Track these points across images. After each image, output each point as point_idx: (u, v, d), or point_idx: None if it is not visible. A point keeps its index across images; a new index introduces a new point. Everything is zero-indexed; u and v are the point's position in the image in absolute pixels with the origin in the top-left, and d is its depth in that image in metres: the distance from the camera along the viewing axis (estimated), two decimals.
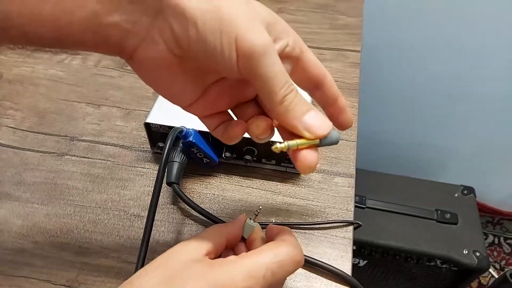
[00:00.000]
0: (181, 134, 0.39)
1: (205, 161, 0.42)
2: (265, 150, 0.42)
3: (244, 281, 0.24)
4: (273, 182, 0.43)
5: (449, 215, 0.93)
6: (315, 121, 0.24)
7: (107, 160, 0.46)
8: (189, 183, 0.43)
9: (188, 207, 0.41)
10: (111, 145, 0.47)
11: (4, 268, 0.37)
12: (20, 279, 0.36)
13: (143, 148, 0.47)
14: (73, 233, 0.39)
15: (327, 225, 0.40)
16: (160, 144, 0.44)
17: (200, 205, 0.39)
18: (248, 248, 0.31)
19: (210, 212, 0.39)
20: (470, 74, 1.01)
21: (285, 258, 0.26)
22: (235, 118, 0.30)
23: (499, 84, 1.01)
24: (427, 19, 0.94)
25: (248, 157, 0.42)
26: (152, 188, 0.41)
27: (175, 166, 0.40)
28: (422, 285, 1.00)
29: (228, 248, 0.30)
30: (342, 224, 0.40)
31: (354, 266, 0.97)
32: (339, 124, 0.29)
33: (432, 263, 0.92)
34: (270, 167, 0.44)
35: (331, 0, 0.68)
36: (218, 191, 0.43)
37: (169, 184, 0.39)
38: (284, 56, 0.25)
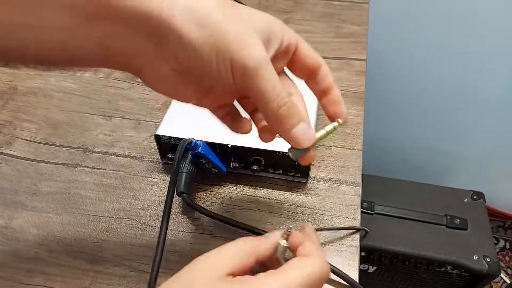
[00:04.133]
0: (190, 146, 0.41)
1: (213, 171, 0.43)
2: (272, 160, 0.43)
3: None
4: (280, 192, 0.44)
5: (458, 220, 0.93)
6: (300, 135, 0.27)
7: (119, 171, 0.47)
8: (198, 192, 0.44)
9: (198, 216, 0.42)
10: (122, 156, 0.48)
11: (20, 277, 0.38)
12: (35, 287, 0.37)
13: (153, 158, 0.48)
14: (86, 242, 0.41)
15: (334, 233, 0.40)
16: (170, 155, 0.45)
17: (210, 211, 0.40)
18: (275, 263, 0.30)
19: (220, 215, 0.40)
20: (477, 79, 1.01)
21: (314, 277, 0.25)
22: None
23: (507, 88, 1.01)
24: (432, 26, 0.95)
25: (255, 167, 0.43)
26: (163, 198, 0.42)
27: (185, 176, 0.41)
28: None
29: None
30: (349, 231, 0.41)
31: (364, 272, 0.97)
32: (331, 115, 0.31)
33: (442, 269, 0.91)
34: (277, 176, 0.45)
35: (336, 9, 0.69)
36: (226, 200, 0.43)
37: (179, 194, 0.40)
38: (281, 53, 0.27)
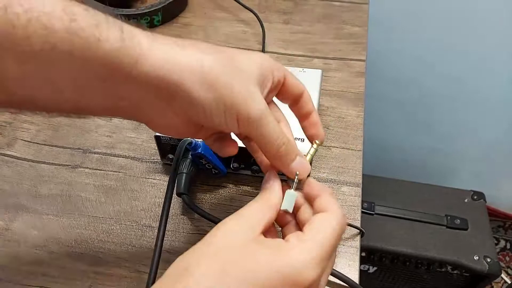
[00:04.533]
0: (190, 146, 0.41)
1: (213, 172, 0.43)
2: None
3: (317, 267, 0.24)
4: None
5: (459, 220, 0.93)
6: (299, 167, 0.30)
7: (119, 172, 0.47)
8: (199, 193, 0.44)
9: (198, 217, 0.42)
10: (122, 157, 0.48)
11: (21, 278, 0.38)
12: None
13: (153, 159, 0.48)
14: (87, 243, 0.41)
15: None
16: (170, 156, 0.45)
17: (210, 213, 0.40)
18: (297, 220, 0.30)
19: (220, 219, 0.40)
20: (477, 79, 1.01)
21: (340, 232, 0.27)
22: None
23: (507, 88, 1.01)
24: (432, 26, 0.95)
25: (255, 167, 0.43)
26: (163, 199, 0.42)
27: (185, 177, 0.41)
28: None
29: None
30: (349, 232, 0.41)
31: (364, 273, 0.97)
32: (310, 136, 0.34)
33: (443, 269, 0.91)
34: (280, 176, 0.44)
35: (336, 10, 0.69)
36: (226, 201, 0.44)
37: (178, 194, 0.40)
38: (272, 88, 0.31)
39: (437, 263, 0.90)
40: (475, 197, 0.98)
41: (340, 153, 0.48)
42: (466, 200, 0.98)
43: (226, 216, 0.38)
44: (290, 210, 0.29)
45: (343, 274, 0.36)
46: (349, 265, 0.38)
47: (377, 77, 1.00)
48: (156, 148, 0.45)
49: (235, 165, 0.44)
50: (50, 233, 0.42)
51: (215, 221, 0.39)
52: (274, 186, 0.29)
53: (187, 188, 0.41)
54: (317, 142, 0.33)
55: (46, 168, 0.48)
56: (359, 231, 0.41)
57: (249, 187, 0.45)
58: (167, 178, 0.45)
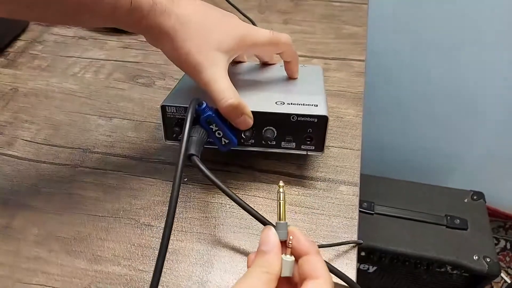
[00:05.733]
0: (200, 108, 0.38)
1: (223, 143, 0.41)
2: (286, 128, 0.41)
3: None
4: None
5: (458, 220, 0.93)
6: (242, 124, 0.41)
7: (119, 171, 0.47)
8: (195, 192, 0.45)
9: (205, 188, 0.42)
10: (122, 157, 0.49)
11: (21, 276, 0.38)
12: (36, 287, 0.38)
13: (153, 159, 0.48)
14: (86, 241, 0.41)
15: (332, 232, 0.41)
16: (176, 129, 0.42)
17: (221, 183, 0.36)
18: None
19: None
20: (477, 80, 1.01)
21: None
22: None
23: (507, 89, 1.01)
24: (432, 26, 0.95)
25: (269, 134, 0.41)
26: (162, 198, 0.42)
27: (195, 140, 0.38)
28: None
29: None
30: (347, 226, 0.41)
31: (364, 272, 0.97)
32: (288, 74, 0.48)
33: (442, 269, 0.91)
34: (290, 151, 0.43)
35: (336, 10, 0.69)
36: (225, 200, 0.44)
37: (189, 156, 0.36)
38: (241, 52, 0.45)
39: (436, 263, 0.90)
40: (475, 197, 0.98)
41: (338, 153, 0.48)
42: (466, 200, 0.98)
43: (224, 215, 0.38)
44: (291, 275, 0.30)
45: (341, 271, 0.36)
46: (347, 264, 0.38)
47: (377, 78, 1.00)
48: (156, 148, 0.45)
49: (247, 134, 0.41)
50: (50, 231, 0.42)
51: (226, 191, 0.36)
52: (273, 253, 0.29)
53: (198, 150, 0.37)
54: (280, 184, 0.32)
55: (46, 168, 0.48)
56: (356, 229, 0.41)
57: (248, 182, 0.45)
58: (166, 178, 0.46)
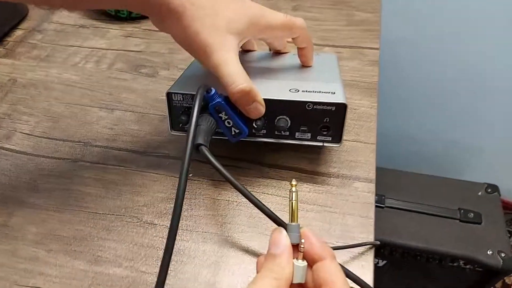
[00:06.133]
0: (208, 94, 0.35)
1: (233, 133, 0.39)
2: (300, 117, 0.38)
3: None
4: (289, 188, 0.42)
5: (472, 214, 0.90)
6: (254, 112, 0.38)
7: (121, 166, 0.45)
8: (201, 188, 0.42)
9: (214, 182, 0.40)
10: (124, 150, 0.46)
11: (17, 277, 0.36)
12: None
13: (157, 153, 0.46)
14: (86, 241, 0.39)
15: (347, 232, 0.38)
16: (183, 118, 0.39)
17: (231, 176, 0.32)
18: None
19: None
20: (494, 70, 0.98)
21: None
22: None
23: None
24: (449, 12, 0.91)
25: (282, 124, 0.38)
26: (166, 195, 0.40)
27: (203, 129, 0.34)
28: (444, 286, 0.97)
29: None
30: (361, 226, 0.38)
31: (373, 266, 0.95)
32: (301, 61, 0.45)
33: (455, 264, 0.89)
34: (305, 142, 0.40)
35: None
36: (233, 196, 0.41)
37: (196, 146, 0.33)
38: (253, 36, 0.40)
39: (449, 258, 0.88)
40: (489, 190, 0.95)
41: (352, 146, 0.45)
42: (480, 193, 0.95)
43: (231, 214, 0.36)
44: (303, 281, 0.27)
45: (356, 275, 0.34)
46: (363, 265, 0.36)
47: (389, 66, 0.97)
48: (160, 141, 0.43)
49: (258, 123, 0.38)
50: (49, 230, 0.40)
51: (237, 186, 0.32)
52: (284, 257, 0.27)
53: (207, 140, 0.34)
54: (293, 183, 0.29)
55: (46, 162, 0.46)
56: (373, 228, 0.39)
57: (257, 178, 0.42)
58: (170, 173, 0.44)
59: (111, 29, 0.66)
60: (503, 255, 0.84)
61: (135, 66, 0.58)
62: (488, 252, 0.85)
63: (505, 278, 1.22)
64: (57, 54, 0.62)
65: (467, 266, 0.89)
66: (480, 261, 0.85)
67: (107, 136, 0.48)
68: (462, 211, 0.90)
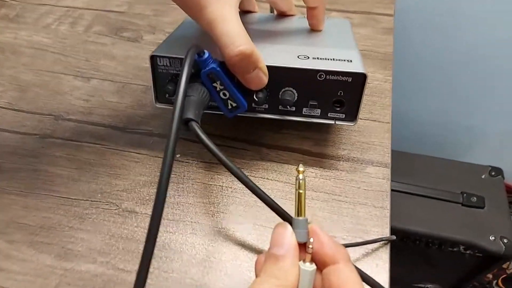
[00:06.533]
0: (201, 58, 0.29)
1: (229, 106, 0.33)
2: (308, 89, 0.32)
3: None
4: (292, 172, 0.36)
5: (475, 198, 0.86)
6: (255, 82, 0.31)
7: (96, 144, 0.39)
8: (189, 171, 0.36)
9: (205, 164, 0.34)
10: (101, 126, 0.40)
11: None
12: None
13: (139, 129, 0.40)
14: (55, 231, 0.33)
15: (359, 226, 0.33)
16: (170, 87, 0.33)
17: (226, 158, 0.26)
18: None
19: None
20: (502, 52, 0.92)
21: None
22: None
23: None
24: None
25: (287, 97, 0.32)
26: (149, 178, 0.35)
27: (193, 100, 0.28)
28: (441, 271, 0.95)
29: None
30: (376, 233, 0.33)
31: None
32: (310, 24, 0.38)
33: (455, 249, 0.86)
34: (314, 119, 0.34)
35: None
36: (227, 182, 0.36)
37: (185, 121, 0.27)
38: None
39: (449, 243, 0.84)
40: (493, 173, 0.91)
41: (364, 126, 0.39)
42: (483, 176, 0.91)
43: (226, 201, 0.31)
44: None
45: (371, 277, 0.29)
46: (377, 265, 0.31)
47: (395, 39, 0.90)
48: (142, 115, 0.37)
49: (260, 95, 0.32)
50: (12, 217, 0.34)
51: (233, 169, 0.26)
52: (288, 259, 0.22)
53: (197, 115, 0.28)
54: (300, 169, 0.24)
55: (10, 138, 0.40)
56: (388, 221, 0.33)
57: (256, 161, 0.37)
58: (154, 153, 0.38)
59: None
60: (505, 241, 0.81)
61: (115, 29, 0.51)
62: (491, 238, 0.82)
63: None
64: (28, 14, 0.54)
65: (467, 251, 0.86)
66: (482, 247, 0.82)
67: (82, 109, 0.42)
68: (465, 195, 0.86)
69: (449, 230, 0.83)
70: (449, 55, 0.98)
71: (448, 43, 0.96)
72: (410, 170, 0.91)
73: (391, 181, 0.86)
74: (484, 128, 1.09)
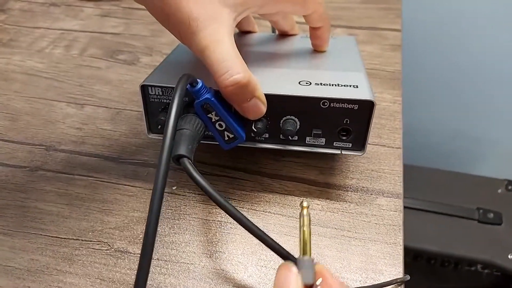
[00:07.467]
0: (194, 88, 0.27)
1: (226, 138, 0.30)
2: (312, 117, 0.30)
3: None
4: (296, 204, 0.34)
5: (492, 214, 0.83)
6: (253, 110, 0.29)
7: (89, 176, 0.37)
8: (186, 206, 0.34)
9: (198, 200, 0.32)
10: (94, 156, 0.38)
11: None
12: None
13: (133, 159, 0.38)
14: (43, 275, 0.31)
15: (369, 266, 0.30)
16: (162, 118, 0.31)
17: (222, 198, 0.24)
18: None
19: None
20: None
21: None
22: None
23: None
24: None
25: (289, 127, 0.30)
26: (143, 214, 0.32)
27: (186, 134, 0.26)
28: None
29: None
30: (389, 273, 0.30)
31: None
32: (313, 44, 0.36)
33: (472, 268, 0.82)
34: (318, 149, 0.32)
35: None
36: (226, 217, 0.33)
37: (176, 158, 0.25)
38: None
39: (466, 262, 0.80)
40: (509, 187, 0.88)
41: (373, 152, 0.37)
42: (499, 191, 0.87)
43: (224, 239, 0.29)
44: None
45: None
46: None
47: (404, 53, 0.88)
48: (136, 145, 0.35)
49: (259, 126, 0.30)
50: None
51: (230, 210, 0.25)
52: None
53: (190, 151, 0.25)
54: (304, 204, 0.23)
55: None
56: (402, 259, 0.31)
57: (256, 192, 0.34)
58: (149, 186, 0.35)
59: (86, 7, 0.57)
60: None
61: (111, 51, 0.49)
62: (509, 257, 0.78)
63: None
64: (22, 38, 0.53)
65: (485, 270, 0.82)
66: (500, 266, 0.78)
67: (75, 138, 0.40)
68: (481, 211, 0.83)
69: (465, 248, 0.79)
70: (459, 67, 0.95)
71: (456, 54, 0.93)
72: (422, 185, 0.87)
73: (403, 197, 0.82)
74: (497, 139, 1.06)
